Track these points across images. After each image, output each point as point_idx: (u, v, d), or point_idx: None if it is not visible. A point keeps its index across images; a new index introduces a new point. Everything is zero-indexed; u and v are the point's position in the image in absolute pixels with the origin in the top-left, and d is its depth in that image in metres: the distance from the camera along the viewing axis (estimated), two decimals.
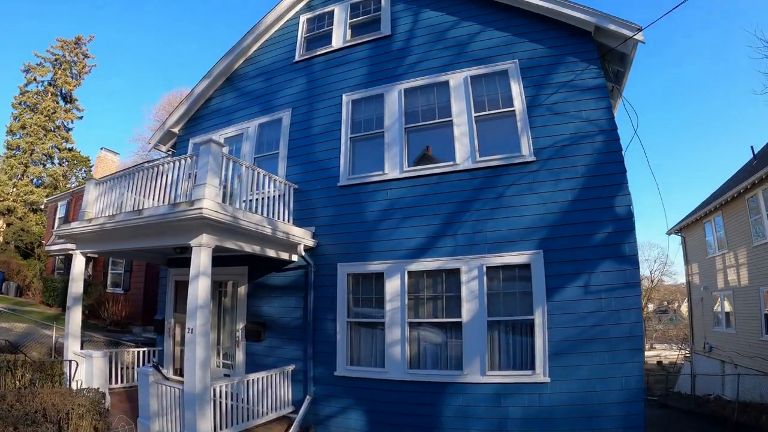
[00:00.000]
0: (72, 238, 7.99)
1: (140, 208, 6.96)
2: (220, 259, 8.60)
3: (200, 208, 5.63)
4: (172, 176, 6.70)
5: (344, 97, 8.36)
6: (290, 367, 7.60)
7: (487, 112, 7.18)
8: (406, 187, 7.34)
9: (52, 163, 31.80)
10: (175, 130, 10.99)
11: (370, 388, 6.82)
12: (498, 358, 6.30)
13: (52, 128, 31.49)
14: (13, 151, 30.38)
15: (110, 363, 8.04)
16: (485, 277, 6.42)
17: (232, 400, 6.30)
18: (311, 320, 7.51)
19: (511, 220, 6.55)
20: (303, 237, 7.61)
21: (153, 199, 6.86)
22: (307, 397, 7.33)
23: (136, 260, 11.64)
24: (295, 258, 7.84)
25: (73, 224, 7.65)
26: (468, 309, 6.45)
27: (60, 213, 21.79)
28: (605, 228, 6.16)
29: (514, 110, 6.96)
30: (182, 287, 9.81)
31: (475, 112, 7.18)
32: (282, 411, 7.33)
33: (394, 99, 7.85)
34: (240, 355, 8.32)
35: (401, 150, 7.49)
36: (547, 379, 5.91)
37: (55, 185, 30.31)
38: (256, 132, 9.27)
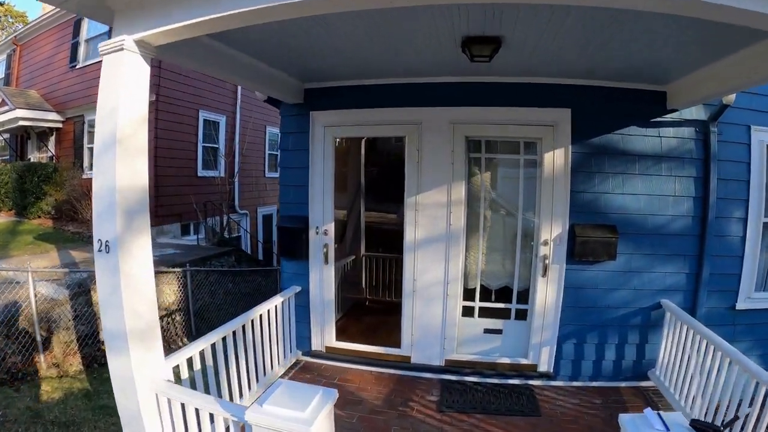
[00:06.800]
0: None
1: None
2: (496, 91, 3.64)
3: None
4: None
5: None
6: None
7: None
8: None
9: None
10: None
11: None
12: None
13: None
14: None
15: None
16: None
17: None
18: (712, 220, 3.83)
19: None
20: None
21: None
22: None
23: (242, 84, 4.98)
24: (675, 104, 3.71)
25: None
26: None
27: None
28: None
29: None
30: (348, 153, 4.64)
31: None
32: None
33: None
34: (549, 291, 3.68)
35: None
36: None
37: None
38: None
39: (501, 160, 3.94)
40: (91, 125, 11.18)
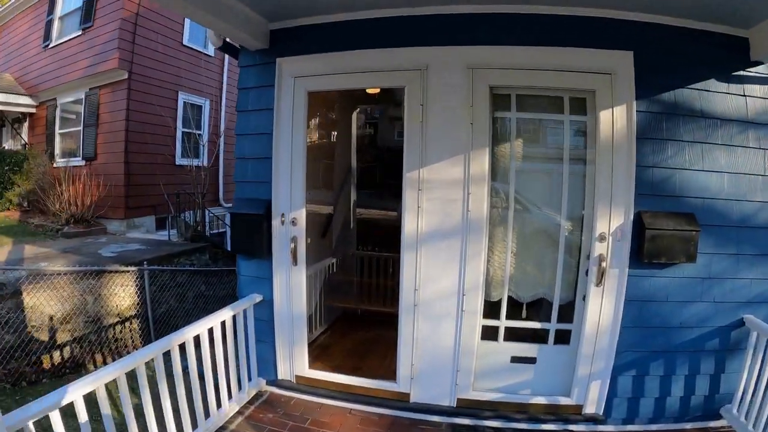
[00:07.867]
0: None
1: None
2: (531, 24, 2.61)
3: None
4: None
5: None
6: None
7: None
8: None
9: None
10: None
11: None
12: None
13: None
14: None
15: None
16: None
17: None
18: None
19: None
20: None
21: None
22: None
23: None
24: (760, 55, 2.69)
25: None
26: None
27: None
28: None
29: None
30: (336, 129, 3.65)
31: None
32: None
33: None
34: (605, 305, 2.63)
35: None
36: None
37: None
38: None
39: (538, 122, 2.87)
40: (63, 109, 10.29)
